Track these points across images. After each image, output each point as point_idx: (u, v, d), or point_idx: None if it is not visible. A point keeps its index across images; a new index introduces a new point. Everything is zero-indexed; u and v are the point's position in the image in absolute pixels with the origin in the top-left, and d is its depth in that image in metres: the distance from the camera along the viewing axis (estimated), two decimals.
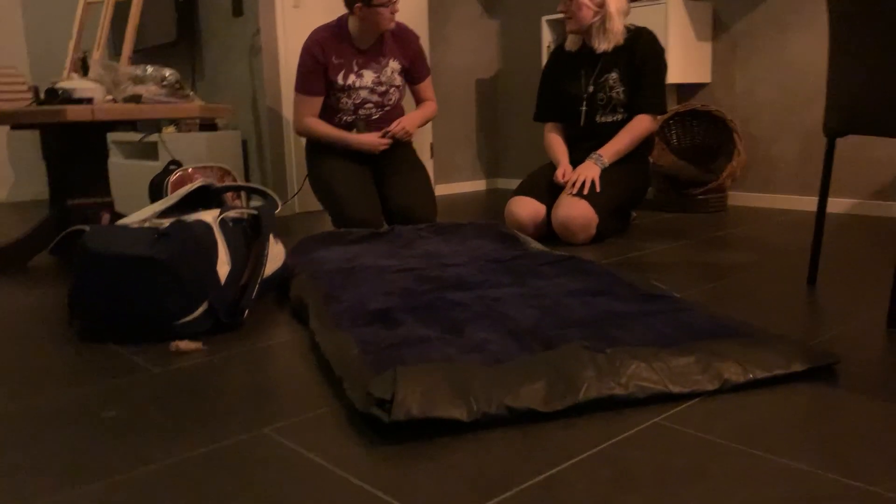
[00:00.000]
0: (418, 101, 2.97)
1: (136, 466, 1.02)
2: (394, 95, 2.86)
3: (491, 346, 1.34)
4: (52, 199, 2.69)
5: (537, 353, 1.28)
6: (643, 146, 2.75)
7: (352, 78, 2.77)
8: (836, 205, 3.15)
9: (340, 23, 2.77)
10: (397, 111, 2.93)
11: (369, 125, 2.83)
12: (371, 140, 2.77)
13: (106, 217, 2.47)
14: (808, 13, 3.15)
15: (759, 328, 1.42)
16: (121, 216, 2.51)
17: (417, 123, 2.88)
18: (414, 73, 2.89)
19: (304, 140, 3.24)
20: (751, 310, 1.70)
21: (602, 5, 2.65)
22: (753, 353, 1.27)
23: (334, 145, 2.79)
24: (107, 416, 1.19)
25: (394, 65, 2.82)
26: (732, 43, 3.41)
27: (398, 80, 2.86)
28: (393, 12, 2.69)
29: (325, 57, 2.72)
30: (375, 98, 2.81)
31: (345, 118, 2.82)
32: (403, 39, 2.83)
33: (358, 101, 2.81)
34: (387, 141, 2.78)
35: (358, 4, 2.64)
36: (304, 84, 2.76)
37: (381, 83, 2.81)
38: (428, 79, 2.96)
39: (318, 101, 2.79)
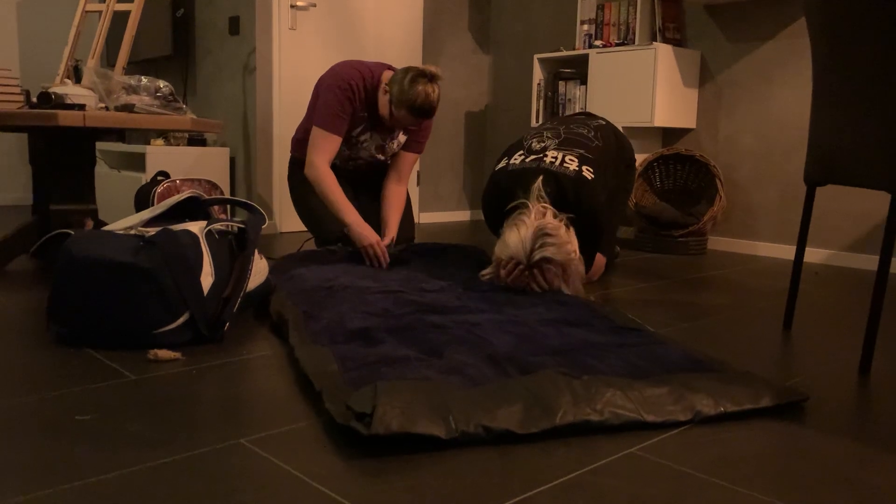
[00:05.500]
0: (396, 172, 2.73)
1: (109, 471, 1.01)
2: (390, 158, 2.81)
3: (469, 369, 1.35)
4: (36, 203, 2.68)
5: (514, 378, 1.29)
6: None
7: (365, 136, 2.66)
8: (812, 254, 3.21)
9: (374, 82, 2.58)
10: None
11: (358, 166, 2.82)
12: (369, 239, 2.47)
13: (89, 224, 2.46)
14: (791, 67, 3.24)
15: (730, 365, 1.44)
16: (104, 224, 2.50)
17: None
18: (410, 141, 2.73)
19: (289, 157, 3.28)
20: (726, 349, 1.72)
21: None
22: (725, 387, 1.30)
23: (331, 209, 2.55)
24: (81, 420, 1.18)
25: (401, 138, 2.74)
26: (718, 91, 3.50)
27: (398, 148, 2.77)
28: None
29: (353, 104, 2.56)
30: (373, 159, 2.76)
31: (335, 161, 2.73)
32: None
33: (356, 156, 2.73)
34: (384, 262, 2.49)
35: (393, 108, 2.49)
36: (333, 122, 2.53)
37: (383, 151, 2.73)
38: (418, 157, 2.78)
39: (338, 143, 2.58)
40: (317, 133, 2.55)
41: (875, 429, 1.25)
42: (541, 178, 2.21)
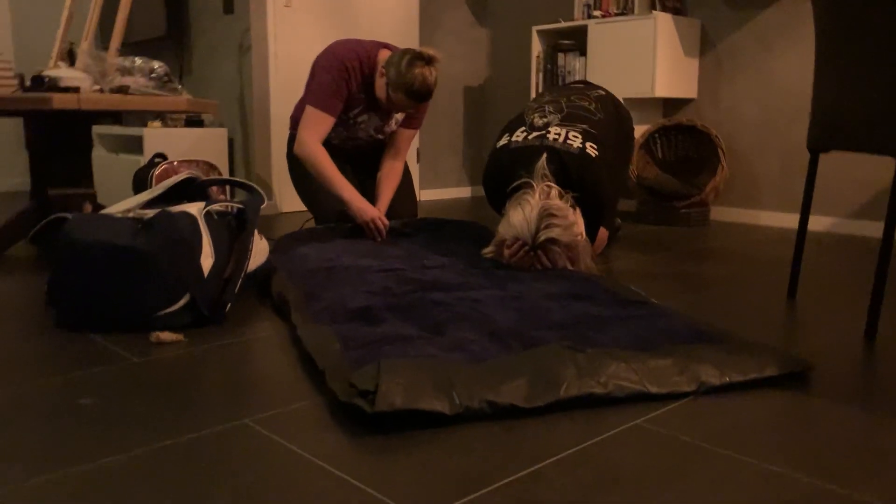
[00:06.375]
0: (393, 148, 2.73)
1: (114, 454, 1.00)
2: (387, 137, 2.80)
3: (472, 345, 1.34)
4: (34, 189, 2.66)
5: (518, 353, 1.29)
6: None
7: (363, 117, 2.64)
8: (816, 222, 3.20)
9: (370, 63, 2.54)
10: None
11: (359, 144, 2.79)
12: (370, 213, 2.46)
13: (88, 208, 2.45)
14: (793, 34, 3.20)
15: (735, 335, 1.43)
16: (102, 208, 2.49)
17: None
18: (407, 118, 2.72)
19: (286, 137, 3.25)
20: (730, 320, 1.72)
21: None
22: (729, 357, 1.29)
23: (326, 186, 2.52)
24: (83, 404, 1.18)
25: (399, 117, 2.72)
26: (719, 60, 3.46)
27: (396, 126, 2.75)
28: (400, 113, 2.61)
29: (349, 85, 2.53)
30: (371, 139, 2.74)
31: (333, 140, 2.70)
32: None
33: (355, 136, 2.71)
34: (382, 232, 2.49)
35: (390, 91, 2.46)
36: (327, 101, 2.49)
37: (382, 131, 2.71)
38: (416, 132, 2.77)
39: (331, 123, 2.54)
40: (310, 112, 2.52)
41: (881, 395, 1.24)
42: (544, 156, 2.18)
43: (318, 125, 2.51)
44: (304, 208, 3.74)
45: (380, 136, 2.72)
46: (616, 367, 1.21)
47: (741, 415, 1.15)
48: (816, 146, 1.80)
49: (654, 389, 1.19)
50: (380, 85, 2.50)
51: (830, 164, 3.14)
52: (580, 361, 1.21)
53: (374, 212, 2.46)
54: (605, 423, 1.11)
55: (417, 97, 2.44)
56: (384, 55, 2.54)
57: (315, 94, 2.51)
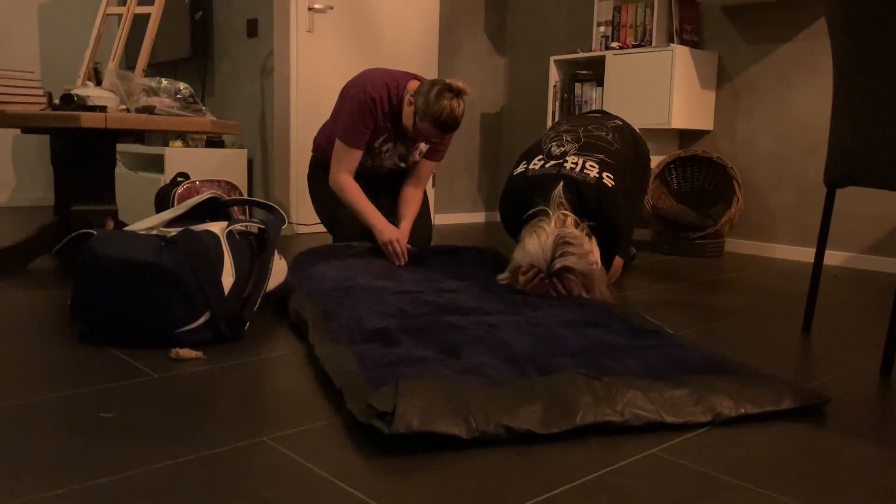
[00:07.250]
0: (415, 177, 2.79)
1: (134, 467, 1.02)
2: (409, 166, 2.84)
3: (487, 369, 1.35)
4: (57, 203, 2.71)
5: (534, 378, 1.30)
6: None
7: (387, 146, 2.69)
8: (830, 257, 3.19)
9: (399, 93, 2.61)
10: None
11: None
12: (387, 234, 2.52)
13: (110, 224, 2.49)
14: (810, 69, 3.22)
15: (751, 367, 1.44)
16: (124, 225, 2.53)
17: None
18: (430, 150, 2.78)
19: (307, 159, 3.29)
20: (745, 351, 1.72)
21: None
22: (745, 389, 1.30)
23: (357, 216, 2.60)
24: (105, 417, 1.20)
25: (423, 147, 2.77)
26: (735, 93, 3.48)
27: (419, 157, 2.81)
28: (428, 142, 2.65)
29: (376, 117, 2.59)
30: (395, 168, 2.79)
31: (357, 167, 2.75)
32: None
33: (379, 164, 2.76)
34: (402, 258, 2.53)
35: (417, 120, 2.49)
36: (354, 136, 2.58)
37: (406, 160, 2.77)
38: (437, 164, 2.82)
39: (360, 155, 2.63)
40: (339, 146, 2.62)
41: None
42: (561, 184, 2.20)
43: (347, 159, 2.61)
44: (322, 230, 3.79)
45: (403, 165, 2.78)
46: (632, 396, 1.22)
47: (756, 446, 1.15)
48: (834, 181, 1.81)
49: (669, 419, 1.20)
50: (407, 113, 2.55)
51: (846, 198, 3.15)
52: (596, 389, 1.22)
53: (392, 234, 2.49)
54: (620, 452, 1.12)
55: (444, 128, 2.48)
56: (413, 85, 2.59)
57: (343, 127, 2.59)
